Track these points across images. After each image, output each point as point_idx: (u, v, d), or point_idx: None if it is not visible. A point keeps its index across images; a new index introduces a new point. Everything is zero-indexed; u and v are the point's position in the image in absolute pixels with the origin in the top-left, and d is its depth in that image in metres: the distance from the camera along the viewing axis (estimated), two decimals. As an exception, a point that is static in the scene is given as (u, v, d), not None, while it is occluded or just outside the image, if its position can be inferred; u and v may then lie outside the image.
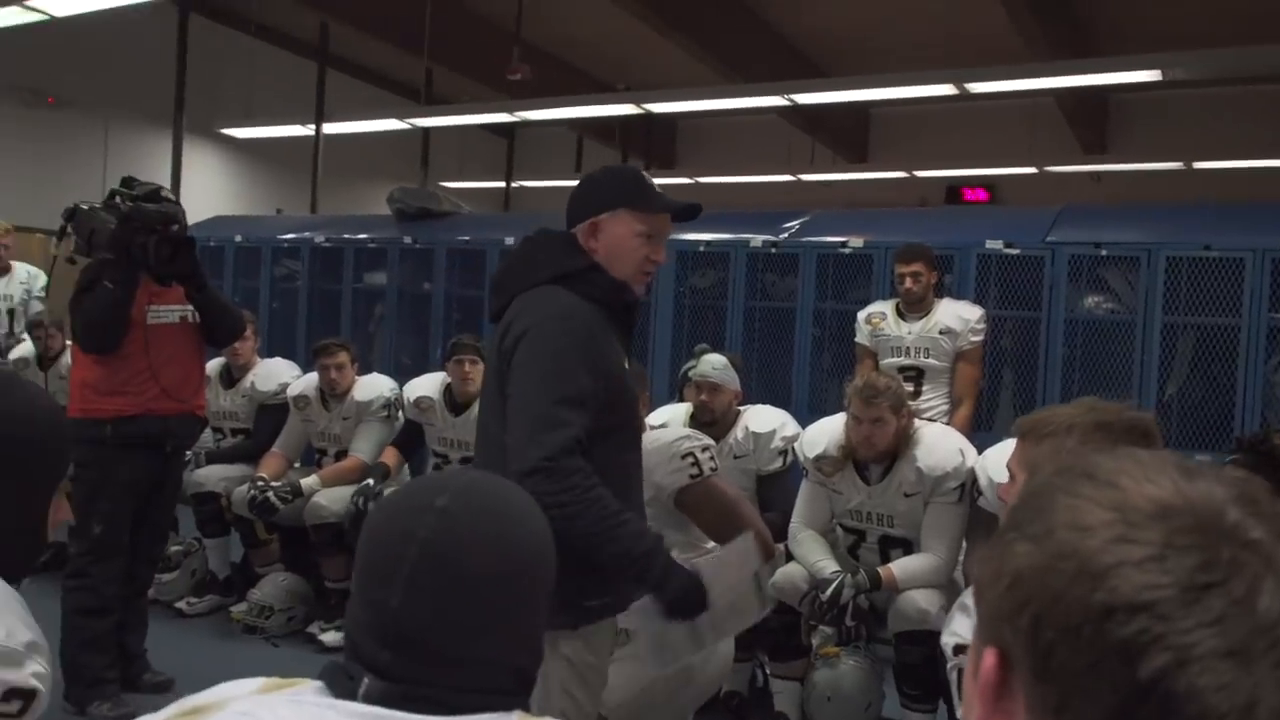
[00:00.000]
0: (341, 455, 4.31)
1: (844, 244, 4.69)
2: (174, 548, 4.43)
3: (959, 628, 1.61)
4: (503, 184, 13.47)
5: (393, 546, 0.89)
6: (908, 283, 4.08)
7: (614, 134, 12.33)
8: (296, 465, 4.50)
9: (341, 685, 0.87)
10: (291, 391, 4.47)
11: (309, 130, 9.81)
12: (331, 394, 4.32)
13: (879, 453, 3.07)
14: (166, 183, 9.64)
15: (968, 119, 10.52)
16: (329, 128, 9.84)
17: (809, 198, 11.37)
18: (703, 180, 11.60)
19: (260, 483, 4.07)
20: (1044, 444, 1.40)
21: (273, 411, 4.55)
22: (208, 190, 10.11)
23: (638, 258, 1.95)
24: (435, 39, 8.85)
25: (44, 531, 1.20)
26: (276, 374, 4.64)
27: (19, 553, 1.17)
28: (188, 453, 4.23)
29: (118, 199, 3.36)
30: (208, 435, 4.67)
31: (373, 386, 4.38)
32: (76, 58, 8.56)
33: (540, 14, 8.68)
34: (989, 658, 0.53)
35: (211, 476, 4.40)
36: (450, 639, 0.87)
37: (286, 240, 6.67)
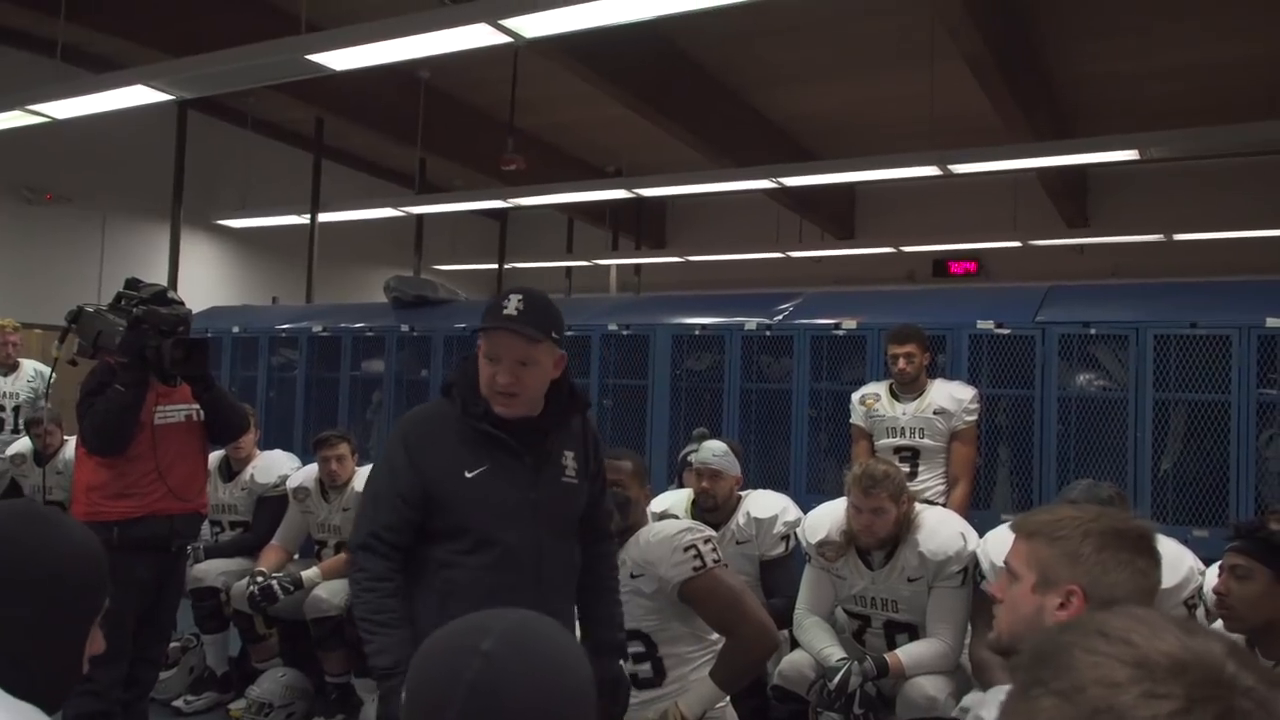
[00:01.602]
0: (341, 547, 4.30)
1: (837, 325, 4.76)
2: (172, 644, 4.38)
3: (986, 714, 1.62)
4: (495, 265, 13.63)
5: (439, 691, 0.90)
6: (901, 364, 4.13)
7: (604, 215, 12.55)
8: (296, 557, 4.49)
9: None
10: (291, 484, 4.47)
11: (304, 219, 9.96)
12: (332, 485, 4.32)
13: (880, 540, 3.09)
14: (164, 274, 9.77)
15: (953, 194, 10.75)
16: (324, 216, 9.99)
17: (798, 274, 11.55)
18: (693, 259, 11.76)
19: (260, 576, 4.06)
20: (1057, 546, 1.43)
21: (272, 504, 4.54)
22: (204, 280, 10.22)
23: (486, 378, 2.03)
24: (428, 129, 9.06)
25: (81, 663, 1.21)
26: (276, 466, 4.64)
27: (58, 684, 1.18)
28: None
29: (124, 301, 3.41)
30: (205, 529, 4.66)
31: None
32: (74, 155, 8.72)
33: (531, 102, 8.90)
34: None
35: (210, 571, 4.37)
36: None
37: (284, 330, 6.73)
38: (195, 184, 9.98)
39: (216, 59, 5.31)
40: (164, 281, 9.89)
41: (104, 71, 6.55)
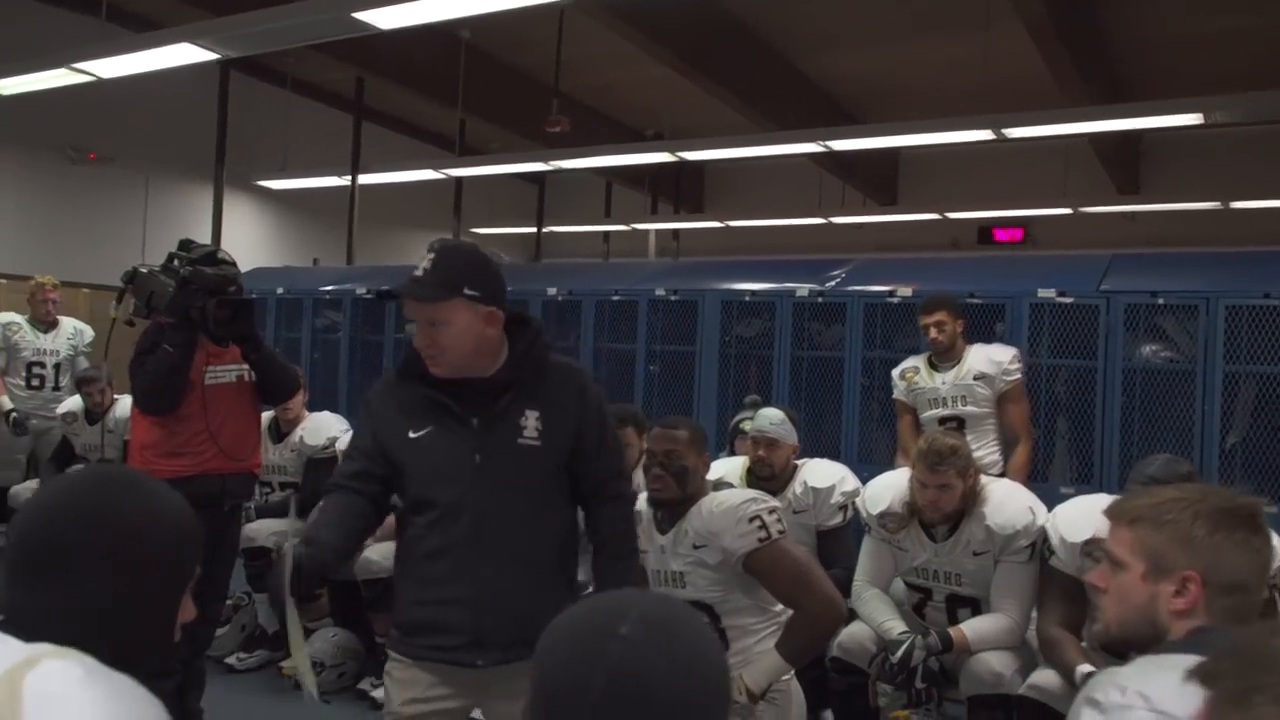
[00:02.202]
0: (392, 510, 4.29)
1: (891, 293, 4.67)
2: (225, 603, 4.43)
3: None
4: (533, 229, 13.57)
5: (578, 674, 0.86)
6: (933, 333, 4.09)
7: (643, 179, 12.42)
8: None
9: None
10: (341, 445, 4.48)
11: (345, 181, 9.94)
12: None
13: (946, 515, 3.03)
14: (207, 234, 9.80)
15: (999, 159, 10.52)
16: (364, 178, 9.96)
17: (839, 240, 11.39)
18: (733, 224, 11.63)
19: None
20: (1165, 531, 1.36)
21: (321, 465, 4.54)
22: (245, 241, 10.23)
23: (418, 341, 2.06)
24: (468, 90, 8.97)
25: (175, 631, 1.19)
26: (325, 428, 4.65)
27: (154, 654, 1.16)
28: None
29: (176, 262, 3.39)
30: (255, 489, 4.68)
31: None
32: (117, 115, 8.73)
33: (571, 64, 8.78)
34: None
35: (262, 531, 4.40)
36: None
37: (328, 292, 6.73)
38: (236, 145, 9.97)
39: (262, 17, 5.25)
40: (206, 242, 9.94)
41: (147, 31, 6.52)
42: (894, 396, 4.27)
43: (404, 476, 2.09)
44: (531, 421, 2.07)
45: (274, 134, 10.02)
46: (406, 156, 10.76)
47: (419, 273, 1.99)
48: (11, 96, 6.70)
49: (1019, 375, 4.04)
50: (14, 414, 5.69)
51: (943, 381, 4.14)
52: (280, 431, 4.68)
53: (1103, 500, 2.85)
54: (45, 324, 6.04)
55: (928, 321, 4.09)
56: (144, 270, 3.42)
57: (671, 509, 2.77)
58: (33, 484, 5.46)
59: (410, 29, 5.23)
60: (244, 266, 7.91)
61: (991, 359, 4.07)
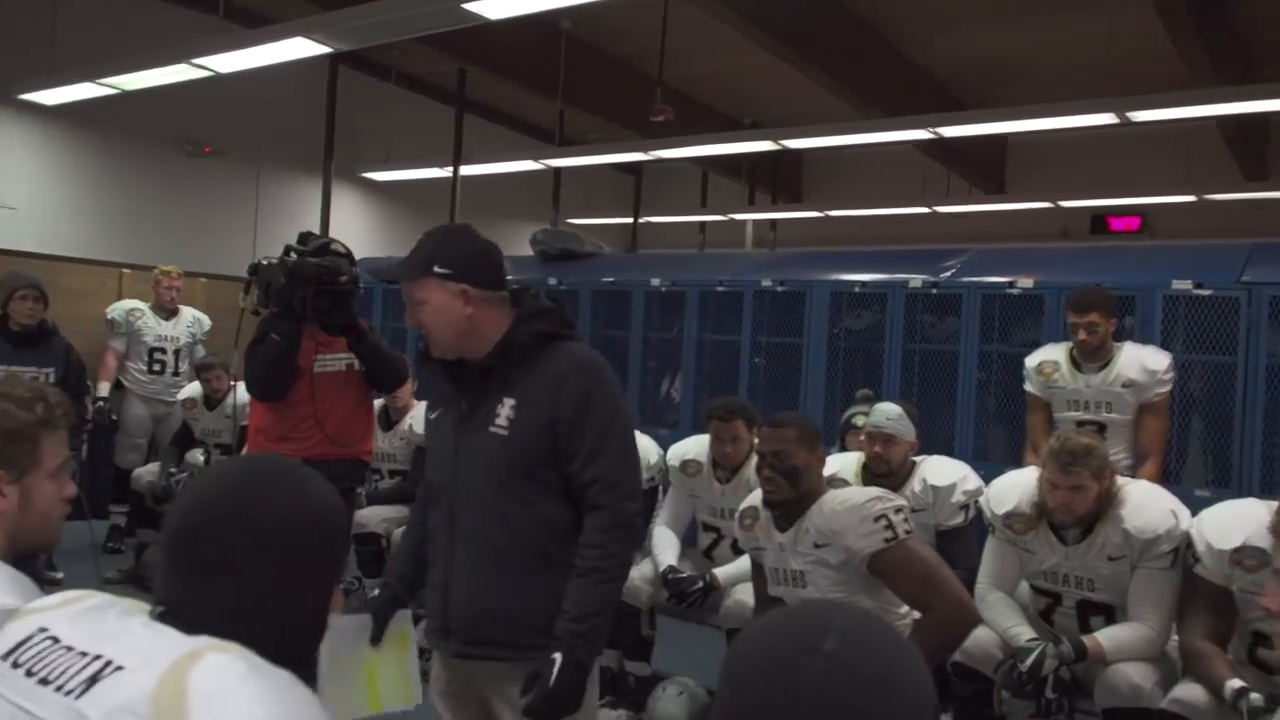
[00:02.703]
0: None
1: (1011, 284, 4.49)
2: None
3: None
4: (629, 220, 13.56)
5: (777, 693, 0.80)
6: (1082, 334, 3.84)
7: (740, 168, 12.28)
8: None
9: None
10: None
11: (447, 172, 10.07)
12: None
13: (1079, 518, 2.88)
14: (315, 225, 10.05)
15: (1115, 144, 10.07)
16: (466, 169, 10.08)
17: (942, 231, 11.07)
18: (832, 214, 11.42)
19: None
20: None
21: (430, 454, 4.58)
22: (351, 233, 10.45)
23: None
24: (568, 81, 8.98)
25: (326, 621, 1.19)
26: None
27: (311, 642, 1.16)
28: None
29: (290, 254, 3.47)
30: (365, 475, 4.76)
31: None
32: (231, 110, 8.99)
33: (672, 53, 8.71)
34: None
35: (373, 518, 4.47)
36: None
37: (432, 282, 6.81)
38: (342, 138, 10.19)
39: (373, 10, 5.33)
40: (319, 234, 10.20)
41: (261, 26, 6.68)
42: (1026, 388, 4.05)
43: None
44: (505, 410, 1.98)
45: (379, 127, 10.21)
46: (507, 147, 10.85)
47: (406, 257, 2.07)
48: (133, 92, 6.95)
49: (1169, 388, 3.79)
50: (101, 403, 5.90)
51: (1086, 384, 3.89)
52: (390, 419, 4.75)
53: (1254, 506, 2.67)
54: (167, 311, 6.25)
55: (1079, 321, 3.83)
56: (265, 263, 3.50)
57: (788, 508, 2.70)
58: (153, 467, 5.66)
59: (512, 20, 5.24)
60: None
61: (1145, 366, 3.80)
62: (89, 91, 6.93)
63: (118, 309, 6.28)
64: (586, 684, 1.89)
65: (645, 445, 4.05)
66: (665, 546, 3.77)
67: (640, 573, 3.74)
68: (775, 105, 10.32)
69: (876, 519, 2.43)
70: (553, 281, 6.16)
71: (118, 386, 6.13)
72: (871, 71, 8.61)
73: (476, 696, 2.06)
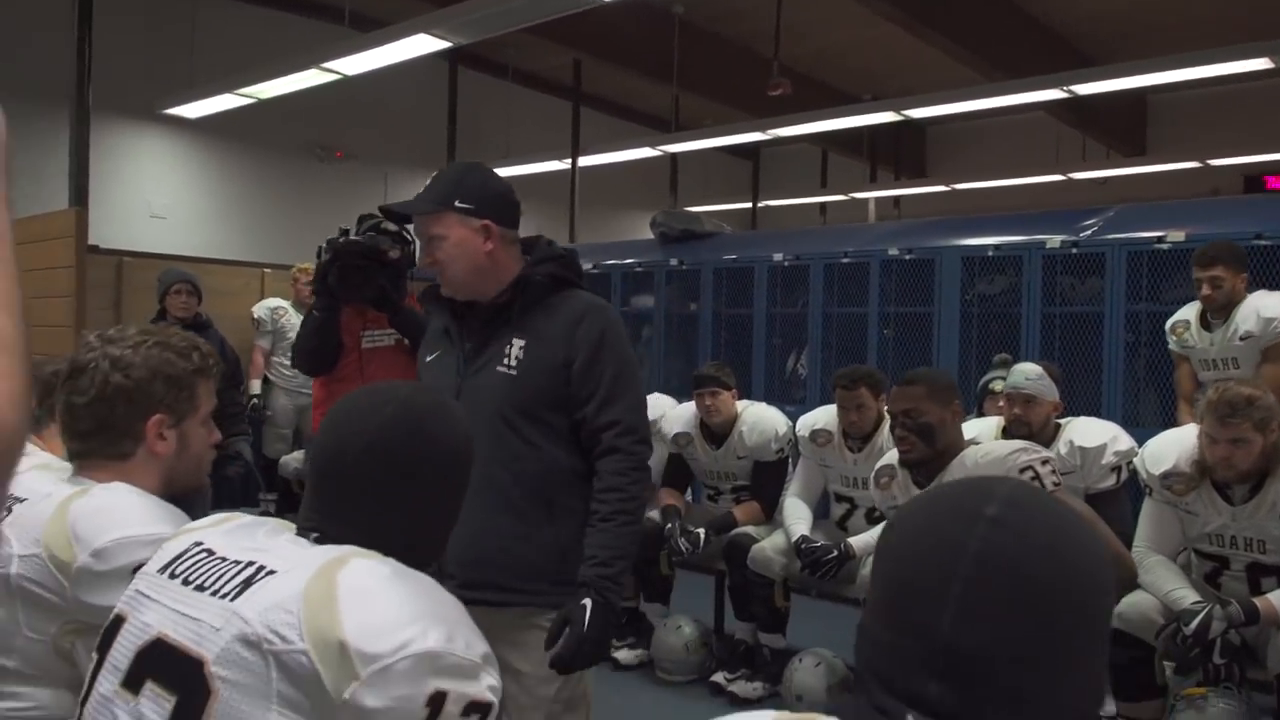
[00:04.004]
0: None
1: (1160, 239, 4.23)
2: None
3: None
4: (748, 204, 13.45)
5: (938, 561, 0.76)
6: (1205, 289, 3.65)
7: (860, 146, 12.02)
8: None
9: None
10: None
11: (565, 165, 10.19)
12: None
13: (1243, 474, 2.68)
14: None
15: (1267, 97, 9.42)
16: (583, 160, 10.18)
17: (1078, 199, 10.56)
18: (959, 187, 11.04)
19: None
20: None
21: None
22: (475, 228, 10.70)
23: None
24: (683, 66, 8.96)
25: (446, 540, 1.25)
26: None
27: (431, 558, 1.20)
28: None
29: (341, 236, 3.57)
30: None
31: (655, 407, 4.38)
32: (358, 115, 9.32)
33: (787, 29, 8.58)
34: None
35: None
36: (1013, 667, 0.73)
37: (555, 269, 6.89)
38: (463, 136, 10.44)
39: (488, 1, 5.42)
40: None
41: (384, 29, 6.89)
42: (1170, 348, 3.88)
43: None
44: (515, 350, 1.94)
45: (498, 124, 10.41)
46: (622, 137, 10.91)
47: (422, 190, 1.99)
48: (268, 103, 7.27)
49: None
50: (255, 399, 6.17)
51: (1211, 343, 3.71)
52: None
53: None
54: (305, 307, 6.50)
55: (1201, 276, 3.65)
56: (323, 245, 3.63)
57: (926, 466, 2.61)
58: (299, 455, 5.90)
59: (625, 7, 5.25)
60: (476, 249, 8.22)
61: (1260, 314, 3.58)
62: (227, 103, 7.29)
63: (262, 307, 6.58)
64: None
65: (773, 416, 3.99)
66: (797, 517, 3.71)
67: (773, 544, 3.69)
68: (896, 78, 10.05)
69: (1022, 471, 2.33)
70: (674, 262, 6.14)
71: (265, 382, 6.42)
72: (996, 34, 8.28)
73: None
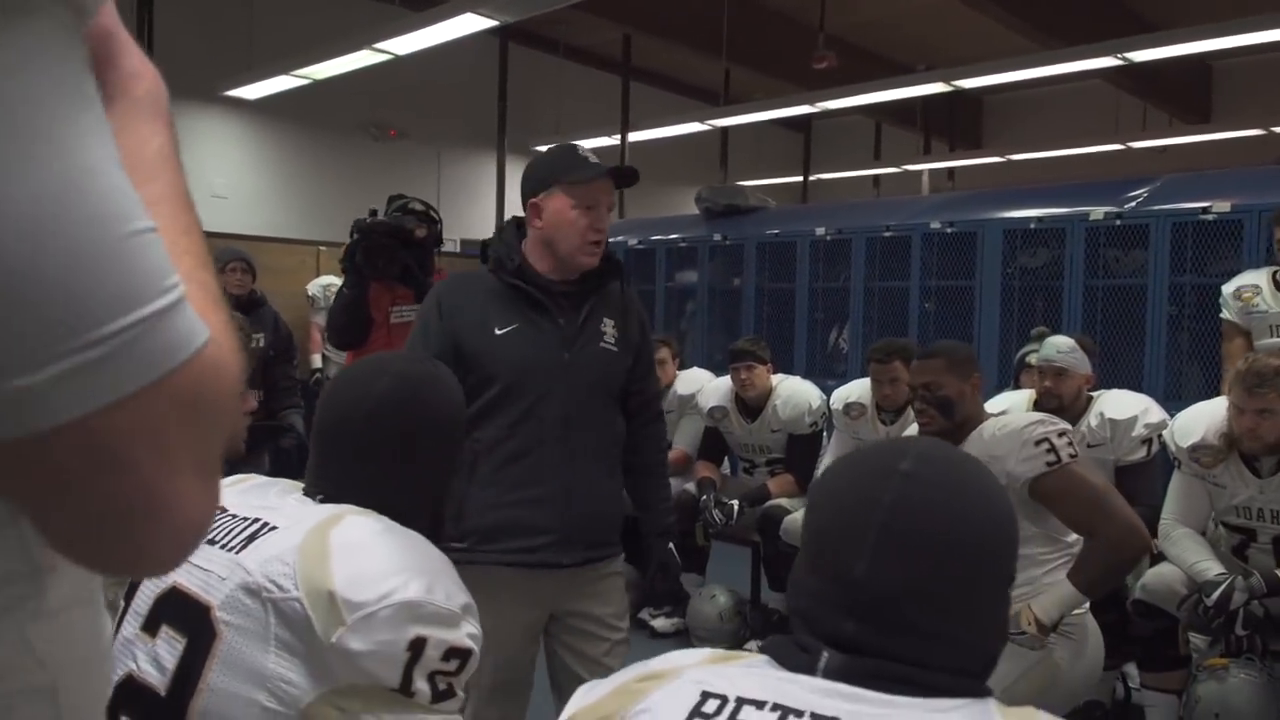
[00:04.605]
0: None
1: (1206, 209, 4.17)
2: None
3: None
4: (800, 178, 13.36)
5: (855, 513, 0.84)
6: None
7: (914, 118, 11.85)
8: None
9: (794, 659, 0.83)
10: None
11: (615, 140, 10.24)
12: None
13: (1269, 445, 2.68)
14: (490, 200, 10.47)
15: (1339, 62, 9.10)
16: (633, 136, 10.21)
17: (1139, 169, 10.28)
18: (1015, 157, 10.85)
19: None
20: None
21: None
22: (526, 204, 10.81)
23: (578, 229, 2.01)
24: (732, 39, 8.93)
25: (444, 502, 1.34)
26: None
27: (425, 519, 1.28)
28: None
29: (373, 215, 3.69)
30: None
31: (693, 381, 4.46)
32: (411, 93, 9.46)
33: (839, 1, 8.51)
34: None
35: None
36: (921, 610, 0.81)
37: (602, 244, 6.97)
38: (515, 114, 10.53)
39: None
40: (491, 206, 10.63)
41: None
42: (1223, 316, 3.76)
43: (479, 370, 2.02)
44: (609, 328, 2.11)
45: (549, 100, 10.49)
46: (672, 111, 10.92)
47: (594, 159, 2.05)
48: (323, 83, 7.44)
49: None
50: (318, 374, 6.36)
51: None
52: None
53: None
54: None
55: None
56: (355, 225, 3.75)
57: (947, 438, 2.64)
58: None
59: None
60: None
61: None
62: (284, 84, 7.47)
63: (315, 285, 6.78)
64: None
65: (807, 390, 4.04)
66: None
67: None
68: (950, 47, 9.88)
69: (1038, 443, 2.35)
70: (717, 237, 6.18)
71: (323, 357, 6.63)
72: (1051, 1, 8.11)
73: (530, 618, 2.08)
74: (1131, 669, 3.14)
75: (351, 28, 7.23)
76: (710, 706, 0.79)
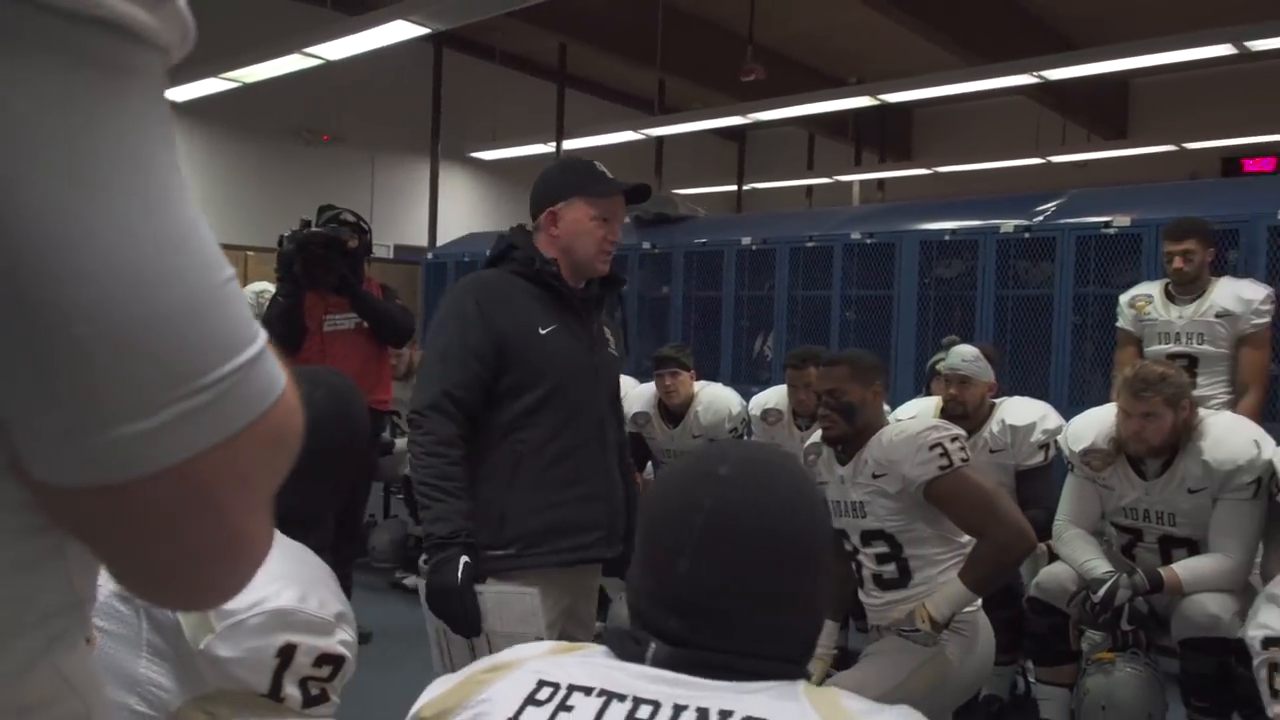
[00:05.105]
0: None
1: (1108, 224, 4.36)
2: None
3: (1269, 619, 1.45)
4: (734, 187, 13.53)
5: (679, 515, 0.90)
6: (1178, 262, 3.73)
7: (846, 129, 12.10)
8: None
9: (627, 649, 0.89)
10: None
11: (550, 148, 10.28)
12: None
13: (1153, 448, 2.82)
14: (425, 206, 10.44)
15: (1247, 81, 9.50)
16: (568, 143, 10.27)
17: (1061, 182, 10.62)
18: (942, 170, 11.14)
19: None
20: None
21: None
22: (461, 211, 10.82)
23: (595, 239, 2.07)
24: (666, 49, 9.04)
25: (329, 515, 1.35)
26: None
27: (311, 534, 1.29)
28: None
29: (304, 226, 3.75)
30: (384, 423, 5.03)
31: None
32: (345, 98, 9.41)
33: (769, 12, 8.66)
34: None
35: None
36: (736, 603, 0.88)
37: (533, 252, 7.00)
38: (450, 120, 10.52)
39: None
40: (425, 212, 10.59)
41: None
42: (1118, 324, 3.95)
43: (523, 371, 2.00)
44: (609, 334, 2.22)
45: (485, 107, 10.50)
46: (608, 120, 11.00)
47: (609, 173, 2.13)
48: (255, 86, 7.37)
49: (1268, 319, 3.65)
50: None
51: (1179, 316, 3.79)
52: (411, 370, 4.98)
53: None
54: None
55: (1174, 249, 3.74)
56: (286, 235, 3.78)
57: (847, 443, 2.74)
58: None
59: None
60: (460, 233, 8.35)
61: (1241, 296, 3.68)
62: (212, 87, 7.38)
63: (247, 291, 6.69)
64: None
65: (728, 396, 4.13)
66: None
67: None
68: (878, 61, 10.13)
69: (932, 447, 2.45)
70: (647, 245, 6.26)
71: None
72: (975, 19, 8.37)
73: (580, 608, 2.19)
74: (1030, 664, 3.26)
75: (283, 31, 7.18)
76: (544, 694, 0.85)
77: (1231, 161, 10.18)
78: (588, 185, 2.10)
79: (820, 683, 2.56)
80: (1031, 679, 3.19)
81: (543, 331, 2.03)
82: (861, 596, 2.68)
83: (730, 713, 0.81)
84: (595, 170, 2.13)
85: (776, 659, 0.88)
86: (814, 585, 0.93)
